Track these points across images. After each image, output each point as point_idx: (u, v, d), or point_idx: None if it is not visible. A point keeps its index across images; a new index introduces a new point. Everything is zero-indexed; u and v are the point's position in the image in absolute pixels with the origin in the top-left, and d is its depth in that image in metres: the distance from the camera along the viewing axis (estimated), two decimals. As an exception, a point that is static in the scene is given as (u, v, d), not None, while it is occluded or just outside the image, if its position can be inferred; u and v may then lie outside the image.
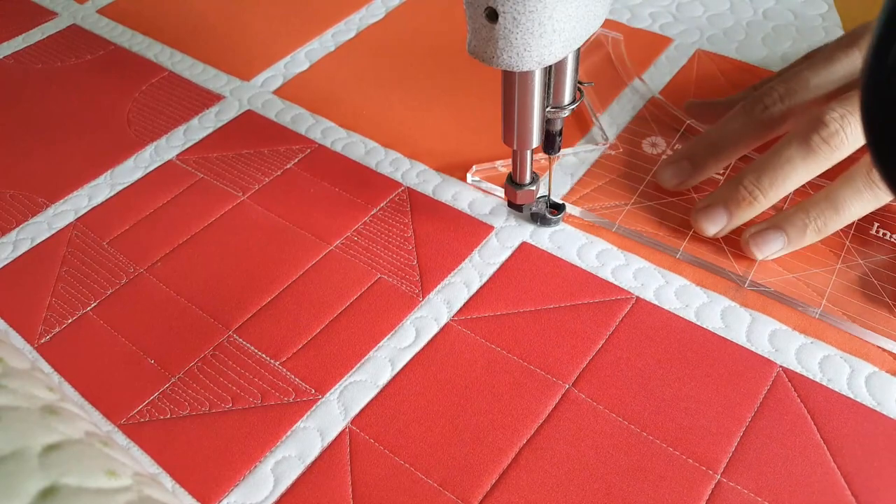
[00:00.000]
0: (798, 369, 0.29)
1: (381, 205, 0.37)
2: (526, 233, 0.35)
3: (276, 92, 0.46)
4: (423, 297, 0.33)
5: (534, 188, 0.33)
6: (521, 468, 0.27)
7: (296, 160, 0.40)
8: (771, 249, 0.32)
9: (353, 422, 0.28)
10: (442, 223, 0.36)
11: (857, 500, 0.25)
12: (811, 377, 0.29)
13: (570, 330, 0.31)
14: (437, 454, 0.27)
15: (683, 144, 0.37)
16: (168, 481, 0.27)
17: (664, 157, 0.38)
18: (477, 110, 0.42)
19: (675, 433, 0.27)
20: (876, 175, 0.30)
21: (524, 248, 0.35)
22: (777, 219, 0.32)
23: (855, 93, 0.31)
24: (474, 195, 0.37)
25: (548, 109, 0.30)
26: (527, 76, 0.27)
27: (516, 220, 0.36)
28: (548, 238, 0.35)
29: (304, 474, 0.27)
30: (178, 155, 0.42)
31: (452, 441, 0.28)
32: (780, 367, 0.29)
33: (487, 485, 0.26)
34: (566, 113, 0.30)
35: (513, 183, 0.34)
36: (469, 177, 0.38)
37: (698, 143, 0.35)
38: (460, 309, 0.32)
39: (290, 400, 0.29)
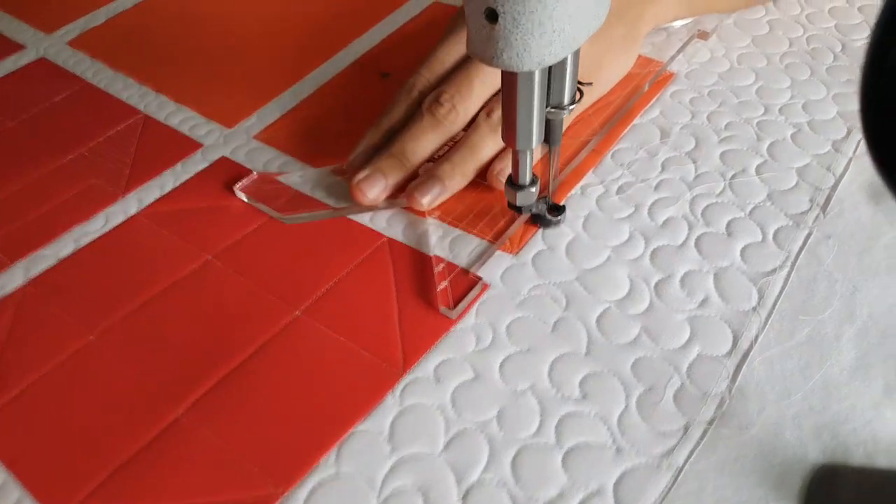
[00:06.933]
0: (401, 239, 0.36)
1: (116, 129, 0.44)
2: (227, 149, 0.42)
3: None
4: (123, 196, 0.40)
5: (534, 190, 0.34)
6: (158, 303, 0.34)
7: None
8: (433, 195, 0.37)
9: (30, 282, 0.35)
10: (162, 141, 0.43)
11: (400, 326, 0.32)
12: (408, 244, 0.36)
13: (233, 219, 0.38)
14: (95, 311, 0.34)
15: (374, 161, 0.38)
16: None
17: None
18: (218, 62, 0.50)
19: (280, 286, 0.34)
20: (496, 118, 0.37)
21: (222, 161, 0.42)
22: (430, 172, 0.37)
23: (459, 74, 0.38)
24: (199, 121, 0.45)
25: (548, 110, 0.31)
26: (527, 77, 0.28)
27: (225, 139, 0.43)
28: (244, 155, 0.42)
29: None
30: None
31: (110, 295, 0.35)
32: (387, 238, 0.36)
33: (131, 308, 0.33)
34: (566, 113, 0.31)
35: (513, 185, 0.34)
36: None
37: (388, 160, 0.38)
38: (150, 204, 0.39)
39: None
